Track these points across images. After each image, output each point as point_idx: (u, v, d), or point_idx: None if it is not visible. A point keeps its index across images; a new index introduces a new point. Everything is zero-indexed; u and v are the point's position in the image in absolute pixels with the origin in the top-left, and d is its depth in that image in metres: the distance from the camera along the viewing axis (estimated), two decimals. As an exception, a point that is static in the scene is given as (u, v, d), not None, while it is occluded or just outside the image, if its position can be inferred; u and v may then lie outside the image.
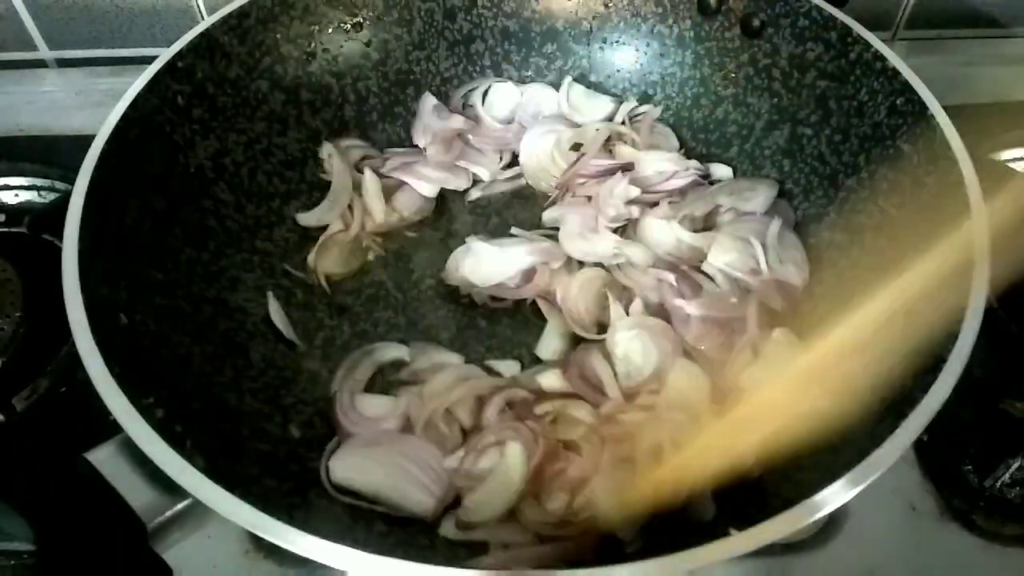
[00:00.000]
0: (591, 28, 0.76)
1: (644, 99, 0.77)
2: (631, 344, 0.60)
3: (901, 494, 0.58)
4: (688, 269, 0.65)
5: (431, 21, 0.74)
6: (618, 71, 0.77)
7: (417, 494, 0.52)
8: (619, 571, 0.36)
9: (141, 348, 0.48)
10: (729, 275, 0.64)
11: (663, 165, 0.71)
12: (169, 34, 0.89)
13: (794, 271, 0.64)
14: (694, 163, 0.71)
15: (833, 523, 0.56)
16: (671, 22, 0.74)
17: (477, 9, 0.75)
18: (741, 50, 0.71)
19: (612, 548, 0.49)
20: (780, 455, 0.45)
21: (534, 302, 0.65)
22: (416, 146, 0.74)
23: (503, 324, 0.65)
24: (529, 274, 0.65)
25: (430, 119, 0.74)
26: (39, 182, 0.77)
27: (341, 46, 0.71)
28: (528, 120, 0.76)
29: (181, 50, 0.60)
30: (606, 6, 0.75)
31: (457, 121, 0.74)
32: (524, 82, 0.78)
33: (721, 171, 0.73)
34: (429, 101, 0.75)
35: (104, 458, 0.44)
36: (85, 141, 0.52)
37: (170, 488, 0.42)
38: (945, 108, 0.56)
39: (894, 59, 0.59)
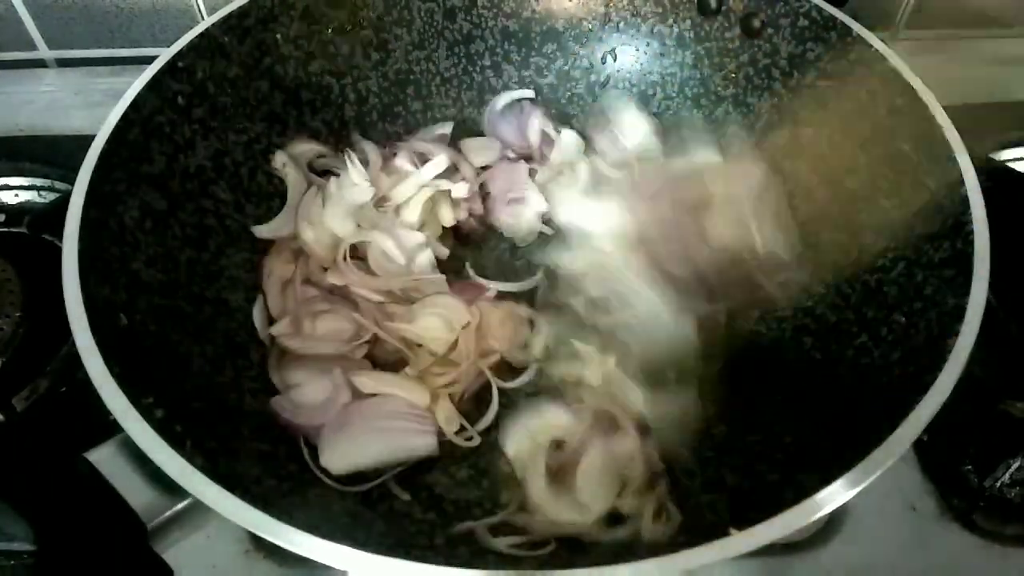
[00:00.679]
0: (591, 28, 0.76)
1: (644, 99, 0.77)
2: None
3: (901, 494, 0.58)
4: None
5: (431, 21, 0.74)
6: (618, 71, 0.78)
7: (416, 440, 0.54)
8: (619, 571, 0.36)
9: (141, 348, 0.48)
10: None
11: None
12: (169, 34, 0.89)
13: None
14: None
15: (833, 523, 0.56)
16: (671, 22, 0.74)
17: (477, 9, 0.75)
18: (741, 50, 0.71)
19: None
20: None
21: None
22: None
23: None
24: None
25: None
26: (39, 182, 0.77)
27: (341, 46, 0.71)
28: None
29: (181, 50, 0.60)
30: (606, 6, 0.75)
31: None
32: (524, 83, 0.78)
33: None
34: None
35: (104, 458, 0.45)
36: (85, 141, 0.52)
37: (170, 488, 0.42)
38: (945, 108, 0.56)
39: (894, 59, 0.59)
